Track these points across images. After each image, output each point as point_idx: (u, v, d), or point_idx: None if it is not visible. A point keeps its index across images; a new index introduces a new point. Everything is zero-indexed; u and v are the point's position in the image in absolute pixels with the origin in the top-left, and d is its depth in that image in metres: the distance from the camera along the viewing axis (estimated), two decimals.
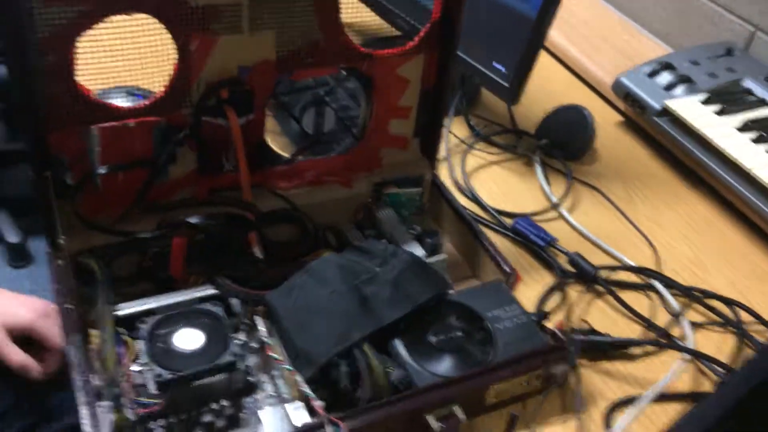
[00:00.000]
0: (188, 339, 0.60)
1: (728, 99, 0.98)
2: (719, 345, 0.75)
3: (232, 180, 0.72)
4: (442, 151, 0.92)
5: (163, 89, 0.64)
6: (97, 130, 0.63)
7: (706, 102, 0.98)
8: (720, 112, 0.96)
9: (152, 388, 0.56)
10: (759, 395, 0.58)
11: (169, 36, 0.62)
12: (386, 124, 0.78)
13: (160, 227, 0.69)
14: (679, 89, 1.01)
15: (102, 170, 0.65)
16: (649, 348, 0.73)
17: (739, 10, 1.13)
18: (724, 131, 0.93)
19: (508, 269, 0.72)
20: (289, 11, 0.65)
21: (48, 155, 0.63)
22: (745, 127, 0.93)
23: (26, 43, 0.56)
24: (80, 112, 0.62)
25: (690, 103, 0.98)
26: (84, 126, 0.63)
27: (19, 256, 1.64)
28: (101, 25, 0.59)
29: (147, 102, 0.64)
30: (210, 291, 0.65)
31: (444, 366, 0.63)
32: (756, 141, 0.92)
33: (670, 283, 0.80)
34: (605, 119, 1.08)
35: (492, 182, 0.94)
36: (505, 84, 0.92)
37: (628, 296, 0.79)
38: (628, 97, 1.03)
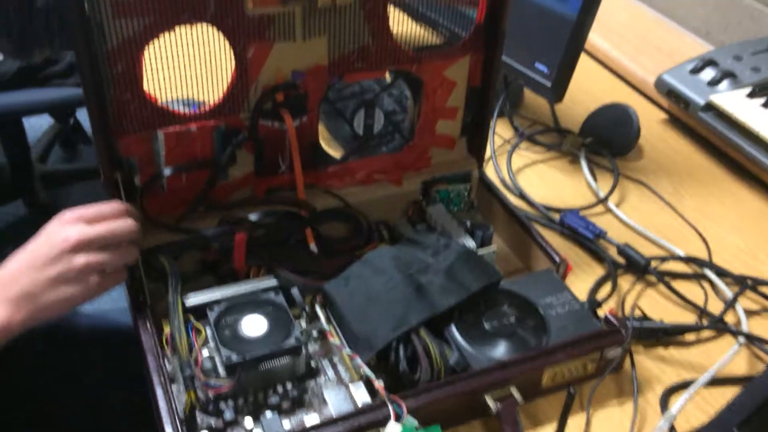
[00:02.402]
0: (254, 325, 0.62)
1: None
2: None
3: (287, 180, 0.76)
4: (488, 152, 0.94)
5: (222, 94, 0.68)
6: (163, 134, 0.67)
7: (751, 95, 0.98)
8: (766, 105, 0.96)
9: (221, 371, 0.59)
10: None
11: (228, 44, 0.66)
12: (434, 125, 0.80)
13: (221, 224, 0.72)
14: (723, 84, 1.01)
15: (168, 171, 0.68)
16: (704, 334, 0.73)
17: None
18: None
19: (558, 258, 0.74)
20: (340, 18, 0.68)
21: (117, 158, 0.66)
22: None
23: (96, 54, 0.60)
24: (147, 118, 0.65)
25: (735, 97, 0.98)
26: (151, 130, 0.66)
27: None
28: (165, 35, 0.63)
29: (208, 107, 0.68)
30: (271, 282, 0.68)
31: (499, 351, 0.65)
32: None
33: (722, 272, 0.80)
34: (648, 117, 1.09)
35: (538, 180, 0.95)
36: (548, 84, 0.93)
37: (679, 286, 0.79)
38: (672, 93, 1.04)
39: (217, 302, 0.65)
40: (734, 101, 0.97)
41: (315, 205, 0.76)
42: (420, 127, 0.79)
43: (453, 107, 0.80)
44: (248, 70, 0.67)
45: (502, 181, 0.94)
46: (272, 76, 0.69)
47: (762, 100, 0.97)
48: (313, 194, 0.77)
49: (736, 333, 0.73)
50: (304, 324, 0.65)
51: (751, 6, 1.18)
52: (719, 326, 0.73)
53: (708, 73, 1.03)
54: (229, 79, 0.67)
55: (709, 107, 0.99)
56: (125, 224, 0.62)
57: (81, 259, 0.59)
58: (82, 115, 1.95)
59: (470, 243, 0.75)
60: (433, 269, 0.69)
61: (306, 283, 0.68)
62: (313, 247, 0.74)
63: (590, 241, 0.83)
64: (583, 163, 0.97)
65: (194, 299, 0.65)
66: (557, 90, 0.93)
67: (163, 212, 0.71)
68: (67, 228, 0.59)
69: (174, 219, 0.71)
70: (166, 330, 0.63)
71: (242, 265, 0.70)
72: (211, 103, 0.68)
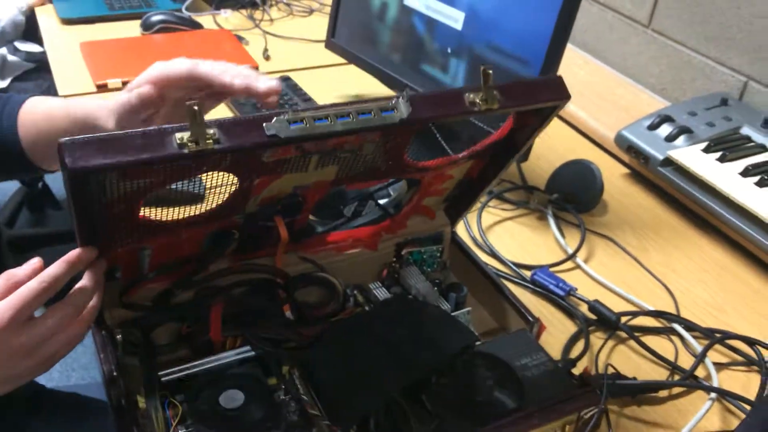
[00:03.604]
0: (231, 400, 0.62)
1: (728, 146, 1.03)
2: (744, 384, 0.77)
3: (265, 253, 0.75)
4: None
5: (218, 205, 0.65)
6: (151, 246, 0.65)
7: (706, 150, 1.02)
8: (721, 159, 1.00)
9: None
10: None
11: (236, 179, 0.61)
12: (420, 202, 0.80)
13: (198, 297, 0.72)
14: (680, 140, 1.05)
15: (151, 275, 0.67)
16: (676, 390, 0.75)
17: (730, 62, 1.19)
18: (727, 177, 0.97)
19: (531, 318, 0.75)
20: (357, 156, 0.65)
21: None
22: (746, 172, 0.97)
23: (94, 207, 0.55)
24: (138, 235, 0.63)
25: (692, 152, 1.02)
26: (140, 244, 0.64)
27: None
28: None
29: (201, 213, 0.65)
30: (248, 353, 0.67)
31: (477, 415, 0.65)
32: (759, 185, 0.95)
33: (690, 326, 0.82)
34: (611, 172, 1.12)
35: (508, 237, 0.97)
36: None
37: (650, 340, 0.81)
38: (631, 149, 1.08)
39: (193, 376, 0.64)
40: (691, 156, 1.01)
41: (290, 270, 0.76)
42: (408, 206, 0.80)
43: (444, 188, 0.80)
44: (251, 192, 0.64)
45: (473, 239, 0.96)
46: (275, 192, 0.66)
47: (717, 154, 1.01)
48: (287, 259, 0.77)
49: (707, 389, 0.74)
50: (283, 395, 0.65)
51: (703, 63, 1.24)
52: (691, 382, 0.75)
53: (665, 129, 1.08)
54: (228, 196, 0.64)
55: (668, 162, 1.03)
56: (43, 279, 0.57)
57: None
58: (50, 179, 1.93)
59: (445, 305, 0.76)
60: (409, 334, 0.70)
61: (283, 353, 0.68)
62: (288, 314, 0.74)
63: (561, 299, 0.85)
64: (551, 220, 0.99)
65: (170, 375, 0.64)
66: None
67: (141, 288, 0.70)
68: None
69: (150, 297, 0.70)
70: (142, 406, 0.62)
71: (219, 336, 0.69)
72: (205, 209, 0.65)
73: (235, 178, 0.62)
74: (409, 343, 0.69)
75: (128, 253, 0.65)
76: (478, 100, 0.61)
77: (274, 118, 0.54)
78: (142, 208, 0.60)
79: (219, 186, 0.62)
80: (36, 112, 0.78)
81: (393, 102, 0.59)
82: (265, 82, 0.71)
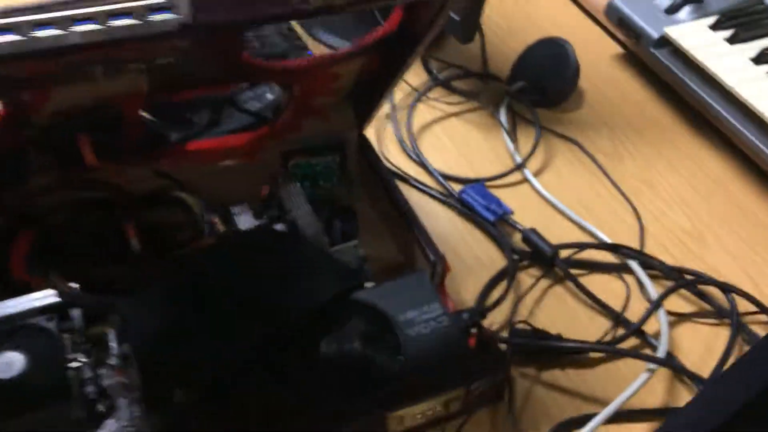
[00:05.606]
0: (6, 366, 0.49)
1: (745, 21, 0.79)
2: (708, 341, 0.60)
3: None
4: (385, 107, 0.77)
5: None
6: None
7: (715, 27, 0.79)
8: (732, 39, 0.77)
9: None
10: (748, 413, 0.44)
11: None
12: (309, 100, 0.63)
13: (5, 220, 0.57)
14: (684, 11, 0.82)
15: None
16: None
17: None
18: (735, 64, 0.74)
19: (433, 256, 0.58)
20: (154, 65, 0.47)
21: None
22: (761, 58, 0.74)
23: None
24: None
25: (695, 28, 0.79)
26: None
27: None
28: None
29: None
30: (51, 299, 0.54)
31: (337, 386, 0.51)
32: None
33: (650, 263, 0.64)
34: (598, 54, 0.90)
35: (448, 139, 0.78)
36: (456, 17, 0.75)
37: (598, 280, 0.64)
38: (623, 23, 0.85)
39: None
40: (693, 34, 0.78)
41: (141, 187, 0.61)
42: (289, 109, 0.62)
43: (336, 88, 0.62)
44: (29, 106, 0.49)
45: (401, 142, 0.77)
46: (66, 105, 0.50)
47: (727, 33, 0.78)
48: (137, 174, 0.61)
49: (645, 358, 0.57)
50: (84, 359, 0.51)
51: None
52: (623, 349, 0.59)
53: None
54: None
55: (664, 41, 0.80)
56: None
57: None
58: None
59: (325, 237, 0.60)
60: (270, 276, 0.55)
61: (94, 301, 0.54)
62: (135, 243, 0.60)
63: (491, 224, 0.67)
64: (502, 117, 0.79)
65: None
66: (467, 25, 0.75)
67: None
68: None
69: None
70: None
71: (21, 274, 0.56)
72: None
73: None
74: (266, 289, 0.55)
75: None
76: None
77: None
78: None
79: None
80: None
81: None
82: None
